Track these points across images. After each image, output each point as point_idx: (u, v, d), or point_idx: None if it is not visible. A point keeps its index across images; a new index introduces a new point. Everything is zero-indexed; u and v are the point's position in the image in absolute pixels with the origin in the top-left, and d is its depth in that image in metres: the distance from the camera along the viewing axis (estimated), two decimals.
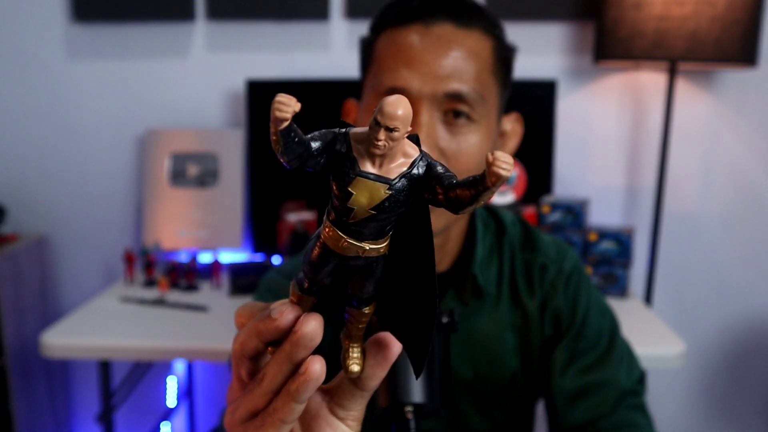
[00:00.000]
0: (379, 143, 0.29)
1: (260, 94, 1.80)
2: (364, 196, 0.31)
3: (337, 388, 0.42)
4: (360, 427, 0.44)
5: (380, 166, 0.31)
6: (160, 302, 1.61)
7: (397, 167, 0.31)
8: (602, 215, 1.92)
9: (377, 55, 0.76)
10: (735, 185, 1.91)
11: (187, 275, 1.71)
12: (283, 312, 0.37)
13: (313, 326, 0.36)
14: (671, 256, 1.93)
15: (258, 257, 1.84)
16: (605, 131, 1.90)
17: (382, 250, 0.33)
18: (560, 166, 1.88)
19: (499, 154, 0.28)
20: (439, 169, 0.31)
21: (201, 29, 1.87)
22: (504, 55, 0.79)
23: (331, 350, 0.49)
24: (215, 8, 1.83)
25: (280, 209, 1.77)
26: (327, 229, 0.33)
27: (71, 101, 1.93)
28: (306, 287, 0.37)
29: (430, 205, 0.32)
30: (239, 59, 1.88)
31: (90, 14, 1.84)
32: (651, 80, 1.86)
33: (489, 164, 0.28)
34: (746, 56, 1.58)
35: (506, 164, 0.28)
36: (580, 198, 1.75)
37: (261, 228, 1.85)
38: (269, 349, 0.39)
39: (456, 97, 0.72)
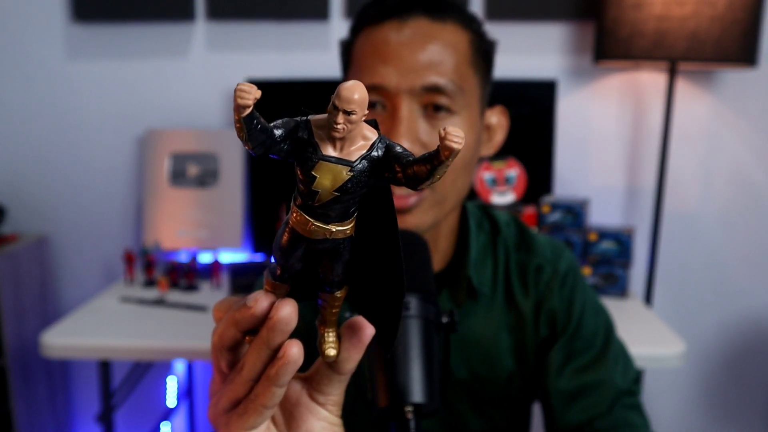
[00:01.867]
0: (339, 126, 0.30)
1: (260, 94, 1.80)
2: (327, 178, 0.32)
3: (315, 374, 0.44)
4: (340, 411, 0.45)
5: (341, 149, 0.32)
6: (160, 302, 1.61)
7: (357, 150, 0.32)
8: (602, 215, 1.92)
9: (356, 55, 0.77)
10: (735, 185, 1.91)
11: (187, 275, 1.71)
12: (258, 300, 0.38)
13: (287, 311, 0.37)
14: (671, 256, 1.93)
15: (258, 257, 1.84)
16: (605, 131, 1.90)
17: (348, 232, 0.35)
18: (560, 166, 1.88)
19: (450, 128, 0.29)
20: (398, 149, 0.33)
21: (201, 29, 1.87)
22: (483, 48, 0.78)
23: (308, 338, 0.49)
24: (215, 8, 1.83)
25: (280, 209, 1.77)
26: (294, 214, 0.34)
27: (71, 101, 1.93)
28: (278, 274, 0.38)
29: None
30: (239, 59, 1.88)
31: (90, 14, 1.84)
32: (651, 80, 1.86)
33: (441, 139, 0.29)
34: (746, 56, 1.58)
35: (458, 137, 0.29)
36: (580, 198, 1.75)
37: (261, 228, 1.85)
38: (247, 338, 0.40)
39: (434, 89, 0.72)
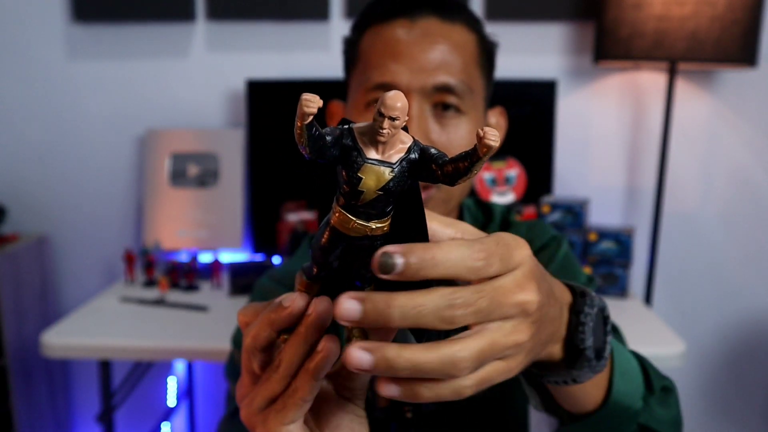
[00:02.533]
0: (384, 131, 0.34)
1: (260, 94, 1.80)
2: (371, 179, 0.35)
3: (342, 369, 0.45)
4: (364, 404, 0.46)
5: (383, 153, 0.36)
6: (160, 302, 1.61)
7: (396, 153, 0.36)
8: (602, 215, 1.92)
9: (363, 52, 0.76)
10: (735, 185, 1.91)
11: (187, 275, 1.72)
12: (294, 299, 0.40)
13: (324, 307, 0.39)
14: (671, 256, 1.93)
15: (258, 257, 1.84)
16: (605, 131, 1.90)
17: (385, 229, 0.38)
18: (560, 166, 1.88)
19: (487, 129, 0.33)
20: (433, 151, 0.36)
21: (201, 29, 1.87)
22: (487, 49, 0.79)
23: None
24: (215, 8, 1.83)
25: (280, 209, 1.77)
26: (337, 214, 0.37)
27: (71, 101, 1.93)
28: (315, 273, 0.41)
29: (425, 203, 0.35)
30: (239, 59, 1.88)
31: (90, 14, 1.85)
32: (651, 80, 1.86)
33: (480, 138, 0.33)
34: (746, 56, 1.58)
35: (495, 136, 0.33)
36: (580, 198, 1.75)
37: (261, 228, 1.85)
38: (281, 337, 0.41)
39: (445, 89, 0.72)
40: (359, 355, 0.35)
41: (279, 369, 0.41)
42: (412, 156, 0.36)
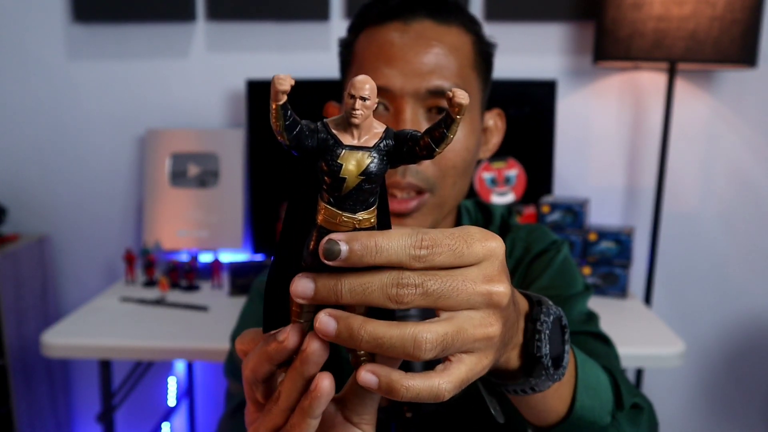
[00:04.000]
0: (357, 112, 0.34)
1: (260, 94, 1.80)
2: (352, 164, 0.35)
3: (348, 394, 0.43)
4: (374, 430, 0.45)
5: (359, 138, 0.36)
6: (160, 302, 1.61)
7: (372, 138, 0.36)
8: (602, 215, 1.92)
9: (357, 54, 0.76)
10: (734, 185, 1.91)
11: (187, 275, 1.72)
12: (288, 333, 0.39)
13: (318, 344, 0.38)
14: (671, 256, 1.94)
15: (258, 257, 1.84)
16: (605, 131, 1.90)
17: (372, 221, 0.37)
18: (560, 166, 1.89)
19: (455, 89, 0.34)
20: (405, 131, 0.37)
21: (201, 29, 1.87)
22: (484, 50, 0.78)
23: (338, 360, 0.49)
24: (215, 8, 1.83)
25: (280, 209, 1.77)
26: (322, 212, 0.36)
27: (71, 101, 1.93)
28: None
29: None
30: (239, 59, 1.88)
31: (90, 14, 1.85)
32: (650, 80, 1.86)
33: (450, 99, 0.34)
34: (745, 57, 1.58)
35: (463, 95, 0.34)
36: (580, 198, 1.75)
37: (261, 228, 1.85)
38: (281, 369, 0.41)
39: (438, 93, 0.72)
40: (326, 320, 0.36)
41: (278, 402, 0.40)
42: (388, 141, 0.37)
